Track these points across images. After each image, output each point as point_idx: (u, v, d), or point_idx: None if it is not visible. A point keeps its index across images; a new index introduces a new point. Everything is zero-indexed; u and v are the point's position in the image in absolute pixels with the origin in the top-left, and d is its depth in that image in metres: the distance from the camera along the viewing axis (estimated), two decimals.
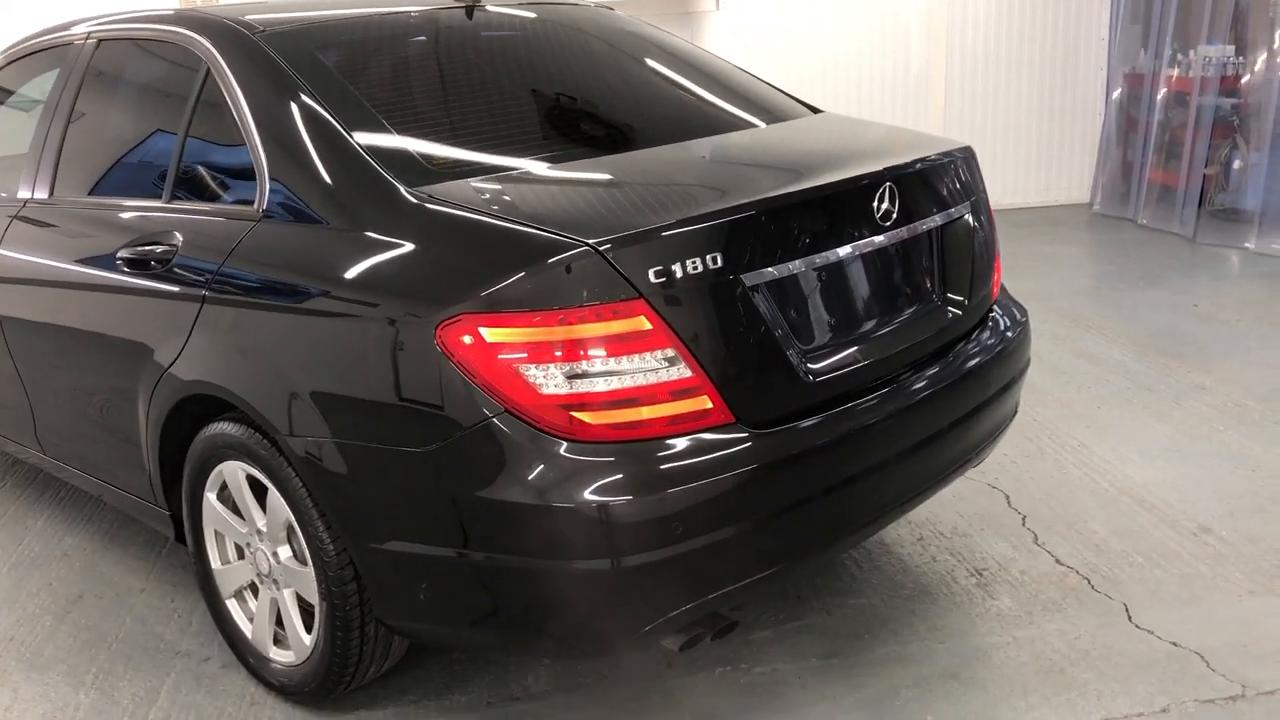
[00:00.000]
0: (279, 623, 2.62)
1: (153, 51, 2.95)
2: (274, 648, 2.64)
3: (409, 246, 2.18)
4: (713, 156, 2.59)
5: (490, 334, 2.01)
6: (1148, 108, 7.42)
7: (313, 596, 2.44)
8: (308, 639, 2.51)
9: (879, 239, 2.38)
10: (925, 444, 2.42)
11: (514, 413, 2.00)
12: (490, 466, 2.03)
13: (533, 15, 3.13)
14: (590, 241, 2.00)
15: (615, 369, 2.00)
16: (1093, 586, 2.94)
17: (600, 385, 2.00)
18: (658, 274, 2.02)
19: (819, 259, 2.26)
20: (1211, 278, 6.06)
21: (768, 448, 2.11)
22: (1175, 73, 7.30)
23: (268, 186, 2.43)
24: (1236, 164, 7.28)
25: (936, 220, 2.54)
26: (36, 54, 3.39)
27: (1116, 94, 7.74)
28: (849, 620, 2.83)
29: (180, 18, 2.81)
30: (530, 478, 2.00)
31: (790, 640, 2.76)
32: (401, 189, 2.25)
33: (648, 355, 2.02)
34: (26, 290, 3.10)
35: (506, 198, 2.25)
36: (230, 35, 2.66)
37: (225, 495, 2.65)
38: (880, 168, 2.38)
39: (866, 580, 3.01)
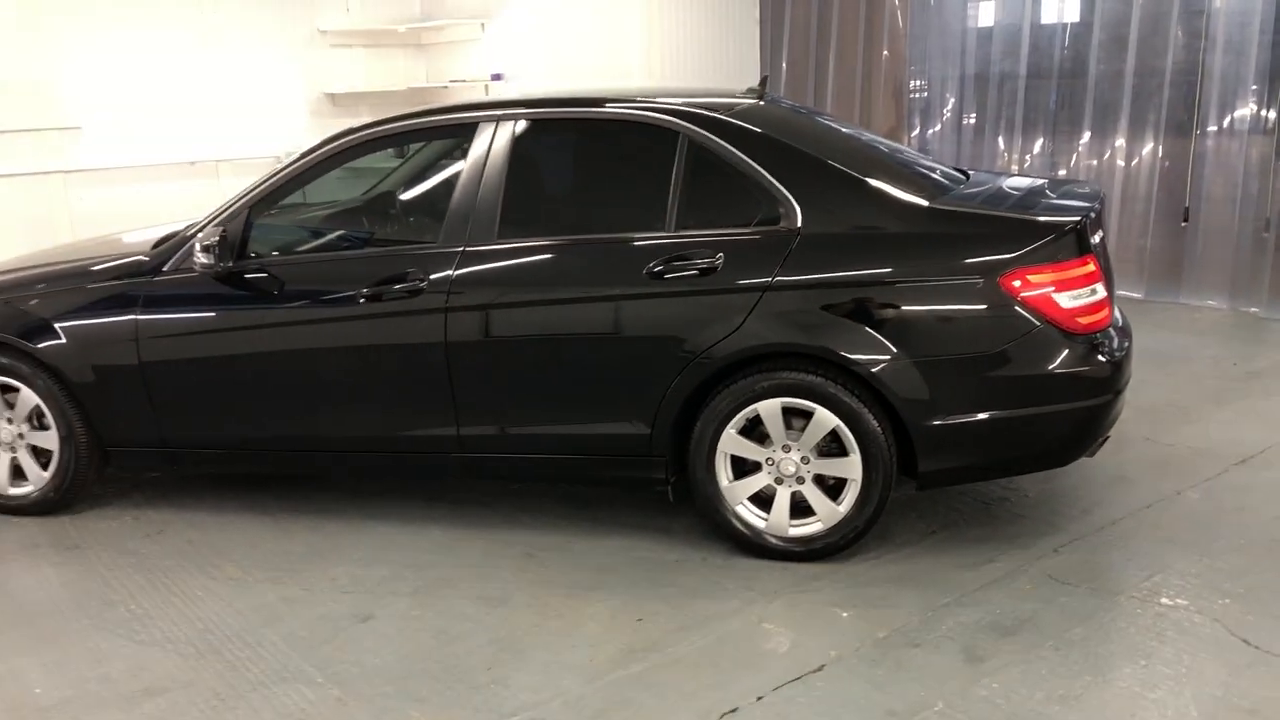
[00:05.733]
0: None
1: (610, 131, 4.02)
2: (790, 528, 3.86)
3: (957, 235, 3.66)
4: (1005, 183, 4.33)
5: (1033, 278, 3.58)
6: None
7: (850, 475, 3.74)
8: (841, 508, 3.79)
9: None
10: None
11: (1051, 322, 3.59)
12: (1039, 355, 3.59)
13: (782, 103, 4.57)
14: (1072, 221, 3.67)
15: (1085, 293, 3.67)
16: None
17: (1083, 302, 3.65)
18: (1092, 239, 3.74)
19: None
20: None
21: None
22: None
23: (798, 211, 3.73)
24: None
25: None
26: (404, 134, 4.21)
27: None
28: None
29: (652, 106, 3.93)
30: (1067, 358, 3.60)
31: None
32: (925, 203, 3.73)
33: (1094, 285, 3.70)
34: (497, 313, 3.91)
35: (992, 202, 3.83)
36: (710, 120, 3.89)
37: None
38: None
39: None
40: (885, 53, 9.36)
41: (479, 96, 8.87)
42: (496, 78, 8.97)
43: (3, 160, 7.83)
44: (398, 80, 9.74)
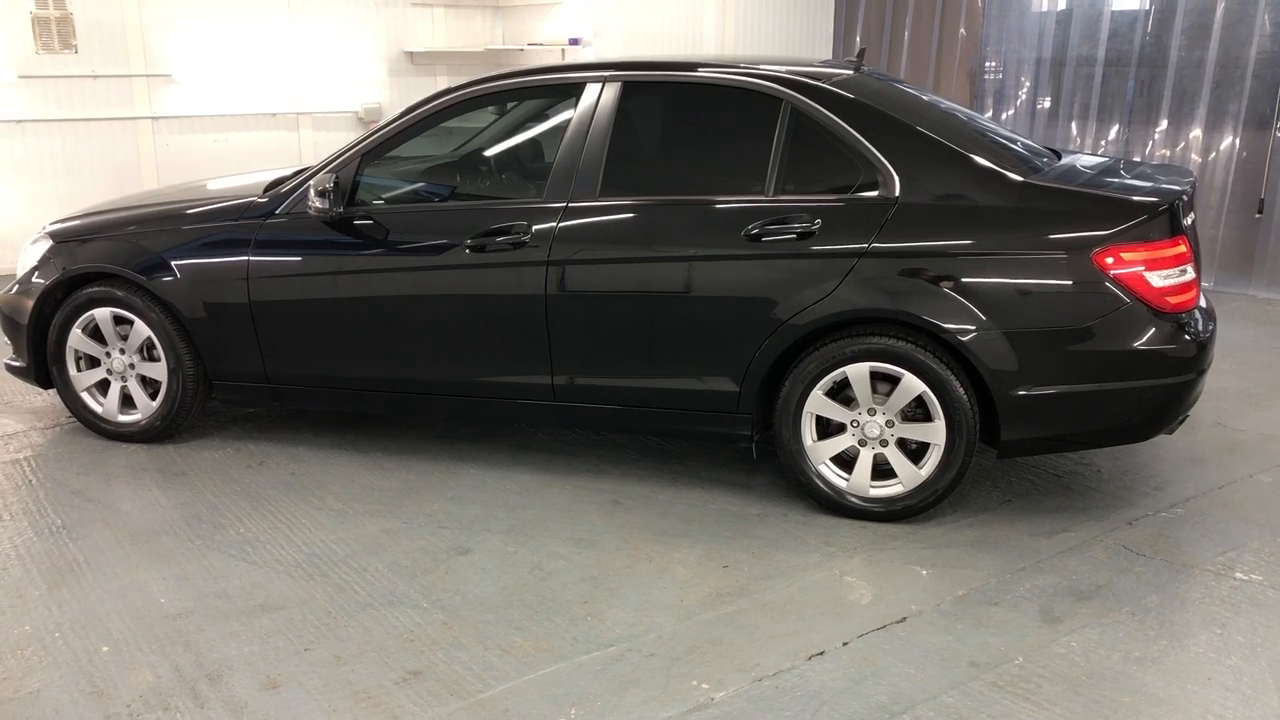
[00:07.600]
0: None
1: (714, 96, 4.12)
2: (871, 488, 3.98)
3: (1051, 210, 3.74)
4: (1095, 163, 4.39)
5: (1126, 256, 3.67)
6: None
7: (933, 440, 3.85)
8: (923, 472, 3.90)
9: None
10: None
11: (1141, 299, 3.68)
12: (1128, 331, 3.68)
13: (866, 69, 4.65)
14: (1166, 202, 3.75)
15: (1175, 273, 3.75)
16: None
17: (1173, 281, 3.74)
18: (1184, 221, 3.81)
19: None
20: None
21: None
22: None
23: (896, 181, 3.83)
24: None
25: None
26: (497, 94, 4.37)
27: None
28: None
29: (756, 74, 4.04)
30: (1154, 336, 3.68)
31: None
32: (1020, 178, 3.81)
33: (1185, 266, 3.79)
34: (596, 268, 4.05)
35: (1085, 180, 3.91)
36: (813, 88, 3.99)
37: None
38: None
39: None
40: (962, 31, 9.37)
41: (568, 59, 8.98)
42: (574, 42, 9.08)
43: (95, 104, 8.07)
44: (476, 41, 9.88)
